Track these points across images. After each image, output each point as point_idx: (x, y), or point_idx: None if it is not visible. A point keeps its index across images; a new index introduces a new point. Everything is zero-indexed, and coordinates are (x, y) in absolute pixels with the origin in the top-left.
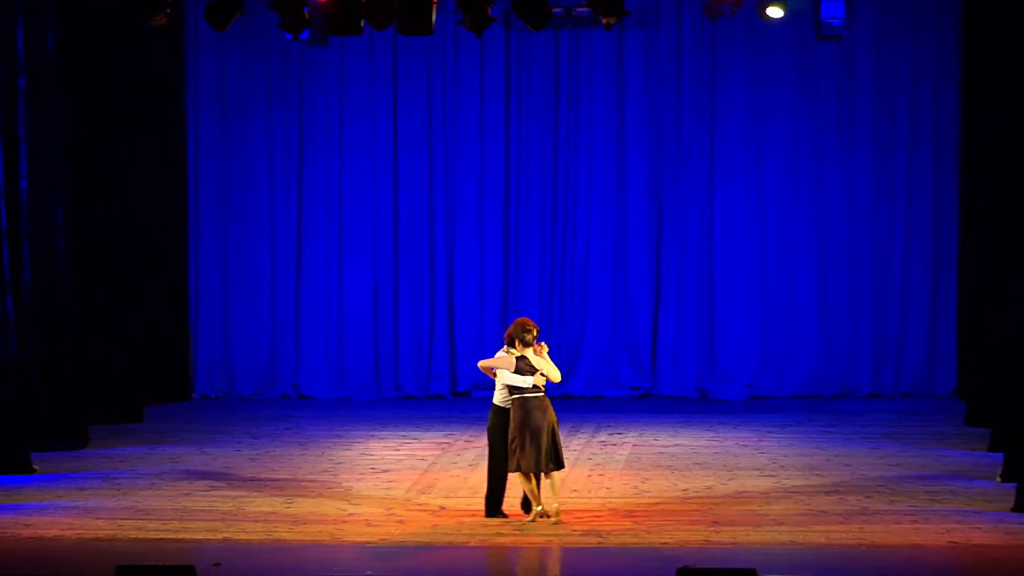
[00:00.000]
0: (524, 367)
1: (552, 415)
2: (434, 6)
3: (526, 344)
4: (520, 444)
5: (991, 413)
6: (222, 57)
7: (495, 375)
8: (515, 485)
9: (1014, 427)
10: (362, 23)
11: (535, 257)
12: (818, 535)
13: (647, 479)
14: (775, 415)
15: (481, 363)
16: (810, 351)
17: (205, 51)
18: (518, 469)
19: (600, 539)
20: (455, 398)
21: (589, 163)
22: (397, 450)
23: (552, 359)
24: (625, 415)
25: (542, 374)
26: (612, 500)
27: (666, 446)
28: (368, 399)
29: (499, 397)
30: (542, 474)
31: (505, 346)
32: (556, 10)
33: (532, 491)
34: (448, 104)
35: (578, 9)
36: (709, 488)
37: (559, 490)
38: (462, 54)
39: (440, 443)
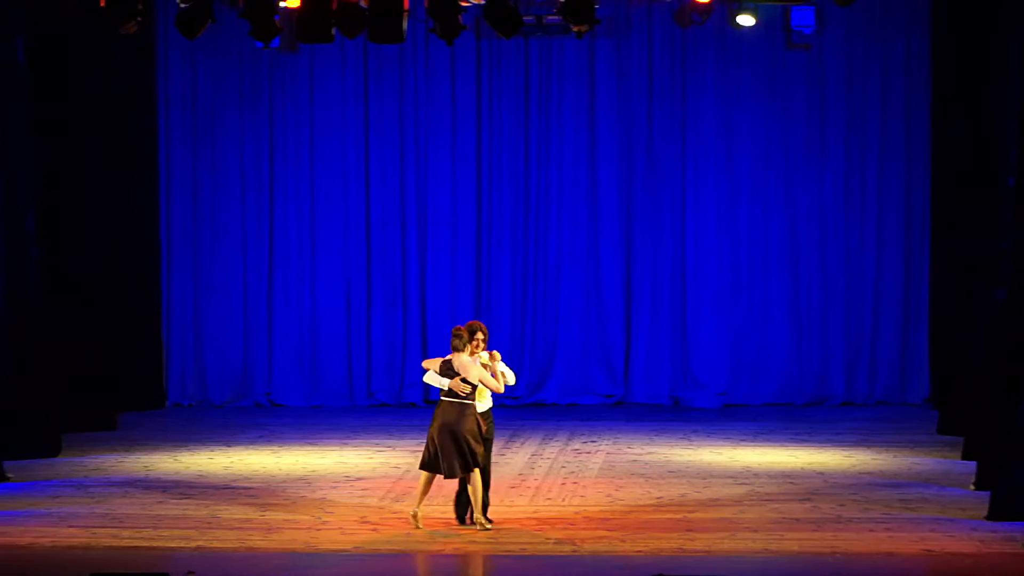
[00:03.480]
0: (445, 370)
1: (466, 423)
2: (405, 14)
3: (453, 348)
4: (430, 445)
5: (964, 421)
6: (193, 65)
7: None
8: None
9: (987, 435)
10: (333, 31)
11: (507, 265)
12: (791, 543)
13: (621, 487)
14: (749, 423)
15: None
16: (783, 359)
17: (176, 59)
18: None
19: (574, 547)
20: (428, 406)
21: (560, 170)
22: (371, 458)
23: (524, 367)
24: (599, 423)
25: (463, 380)
26: (586, 508)
27: (640, 454)
28: (341, 407)
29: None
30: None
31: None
32: (527, 18)
33: (420, 492)
34: (420, 112)
35: (549, 17)
36: (683, 496)
37: (477, 500)
38: (433, 62)
39: (414, 451)
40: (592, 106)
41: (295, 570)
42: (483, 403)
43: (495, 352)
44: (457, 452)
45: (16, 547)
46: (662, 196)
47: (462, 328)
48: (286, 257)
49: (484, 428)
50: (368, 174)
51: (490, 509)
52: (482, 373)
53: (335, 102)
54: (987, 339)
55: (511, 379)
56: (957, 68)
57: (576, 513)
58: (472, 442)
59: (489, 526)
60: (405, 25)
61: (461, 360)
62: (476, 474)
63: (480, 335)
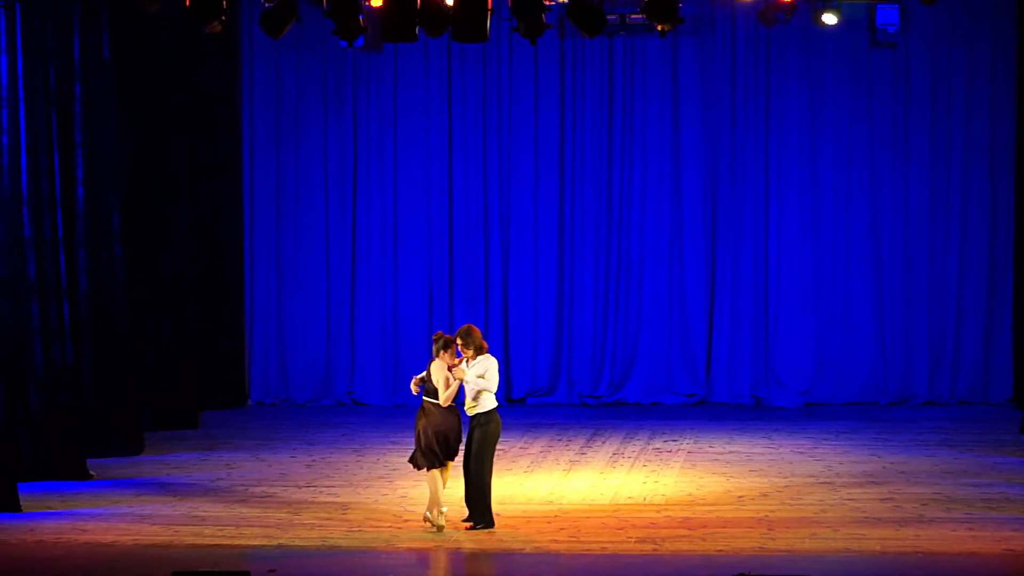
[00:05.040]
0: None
1: (429, 421)
2: (489, 13)
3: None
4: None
5: None
6: (277, 64)
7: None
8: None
9: None
10: (417, 30)
11: (590, 264)
12: (873, 542)
13: (702, 486)
14: (830, 422)
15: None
16: (865, 358)
17: (259, 58)
18: None
19: (655, 546)
20: (510, 405)
21: (644, 170)
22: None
23: (606, 366)
24: (680, 422)
25: (422, 380)
26: (667, 507)
27: (721, 453)
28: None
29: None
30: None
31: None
32: (611, 17)
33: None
34: (503, 110)
35: (632, 16)
36: (764, 495)
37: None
38: (517, 61)
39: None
40: (675, 105)
41: (376, 568)
42: (482, 405)
43: (472, 359)
44: (417, 448)
45: (99, 545)
46: (745, 195)
47: (439, 333)
48: (368, 256)
49: (454, 430)
50: (451, 173)
51: (573, 507)
52: (445, 378)
53: (418, 101)
54: None
55: (491, 385)
56: None
57: (657, 512)
58: (424, 442)
59: (441, 524)
60: (489, 24)
61: (434, 365)
62: (437, 472)
63: (450, 347)
